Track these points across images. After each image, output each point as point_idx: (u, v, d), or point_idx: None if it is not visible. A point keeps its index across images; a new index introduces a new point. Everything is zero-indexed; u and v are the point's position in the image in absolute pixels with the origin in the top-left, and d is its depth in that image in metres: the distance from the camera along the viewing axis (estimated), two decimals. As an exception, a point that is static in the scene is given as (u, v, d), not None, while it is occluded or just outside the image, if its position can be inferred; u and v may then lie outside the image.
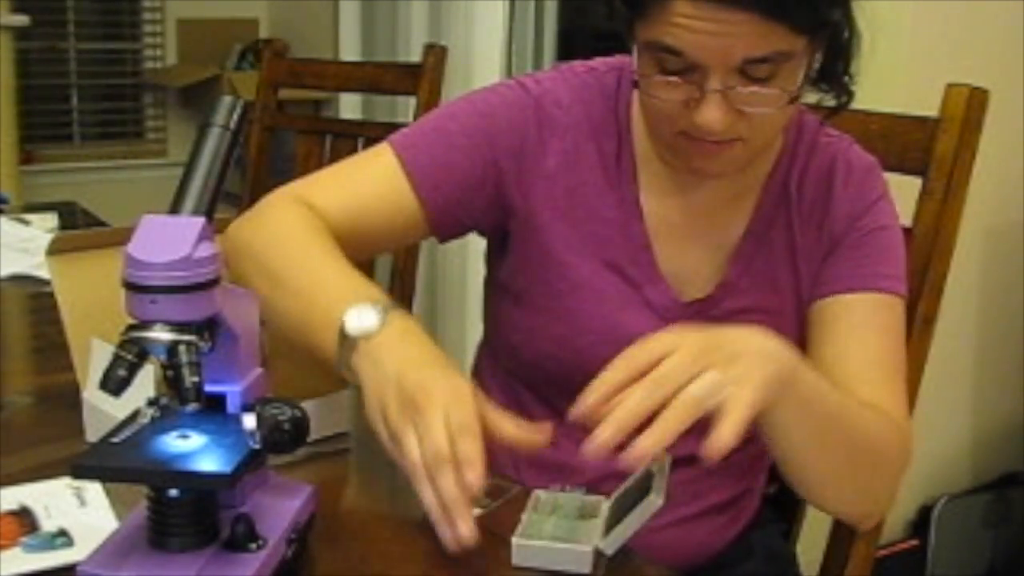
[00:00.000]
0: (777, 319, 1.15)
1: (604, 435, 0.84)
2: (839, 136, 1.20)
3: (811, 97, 1.13)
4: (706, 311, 1.16)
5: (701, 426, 1.17)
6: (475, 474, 0.84)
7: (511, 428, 0.91)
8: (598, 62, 1.21)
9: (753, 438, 1.23)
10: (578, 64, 1.22)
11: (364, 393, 0.93)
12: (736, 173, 1.13)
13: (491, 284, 1.27)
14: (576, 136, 1.17)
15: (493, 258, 1.25)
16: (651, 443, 0.83)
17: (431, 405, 0.87)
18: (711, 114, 1.00)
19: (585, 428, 1.18)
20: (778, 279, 1.16)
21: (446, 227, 1.18)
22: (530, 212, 1.17)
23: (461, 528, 0.84)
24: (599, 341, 1.14)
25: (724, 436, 0.85)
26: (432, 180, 1.15)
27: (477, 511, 0.95)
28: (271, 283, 1.04)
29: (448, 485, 0.84)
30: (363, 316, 0.95)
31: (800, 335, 1.16)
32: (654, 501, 0.86)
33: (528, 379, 1.22)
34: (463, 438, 0.85)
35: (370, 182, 1.16)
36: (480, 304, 1.32)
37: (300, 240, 1.07)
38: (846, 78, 1.09)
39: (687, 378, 0.86)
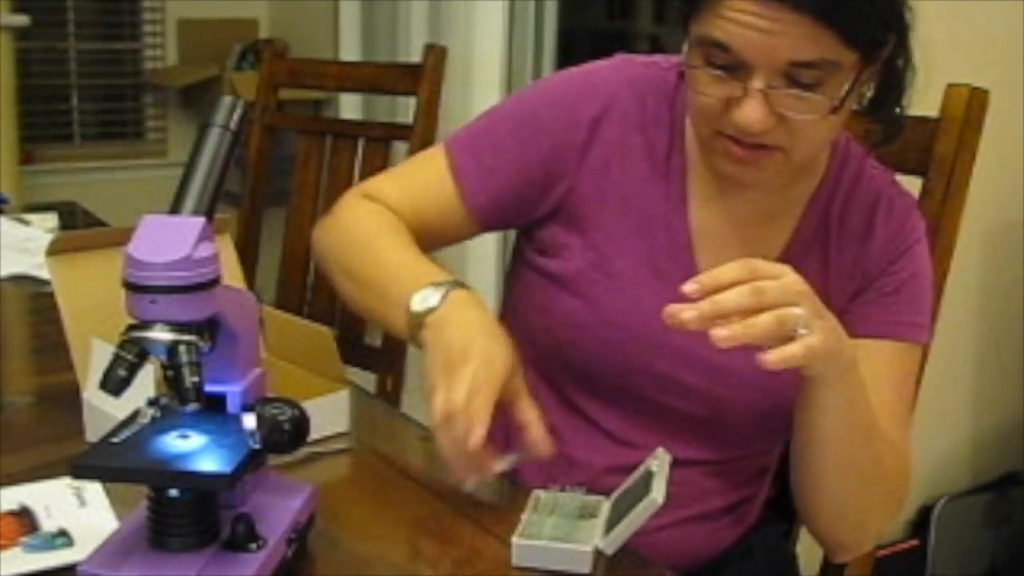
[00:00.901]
0: None
1: (702, 308, 0.90)
2: (883, 170, 1.19)
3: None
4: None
5: (702, 430, 1.18)
6: (476, 435, 0.93)
7: (531, 418, 1.00)
8: (659, 58, 1.21)
9: (759, 452, 1.23)
10: (639, 57, 1.22)
11: (425, 357, 1.03)
12: (773, 186, 1.12)
13: (523, 267, 1.25)
14: (625, 127, 1.17)
15: (531, 244, 1.24)
16: (730, 334, 0.89)
17: (465, 364, 0.97)
18: (751, 113, 1.00)
19: (594, 428, 1.19)
20: None
21: (492, 226, 1.23)
22: (576, 204, 1.18)
23: (469, 480, 0.97)
24: (623, 337, 1.14)
25: (786, 352, 0.90)
26: (477, 185, 1.19)
27: (508, 460, 0.98)
28: (351, 280, 1.17)
29: (458, 436, 0.94)
30: (426, 297, 1.05)
31: None
32: (654, 500, 0.86)
33: (544, 366, 1.21)
34: (477, 394, 0.95)
35: (424, 185, 1.22)
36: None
37: (368, 236, 1.18)
38: (897, 110, 1.09)
39: (783, 303, 0.91)
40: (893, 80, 1.07)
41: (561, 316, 1.18)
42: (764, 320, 0.89)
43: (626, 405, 1.17)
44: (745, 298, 0.90)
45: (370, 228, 1.19)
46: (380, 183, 1.26)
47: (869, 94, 1.08)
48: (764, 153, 1.05)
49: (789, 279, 0.93)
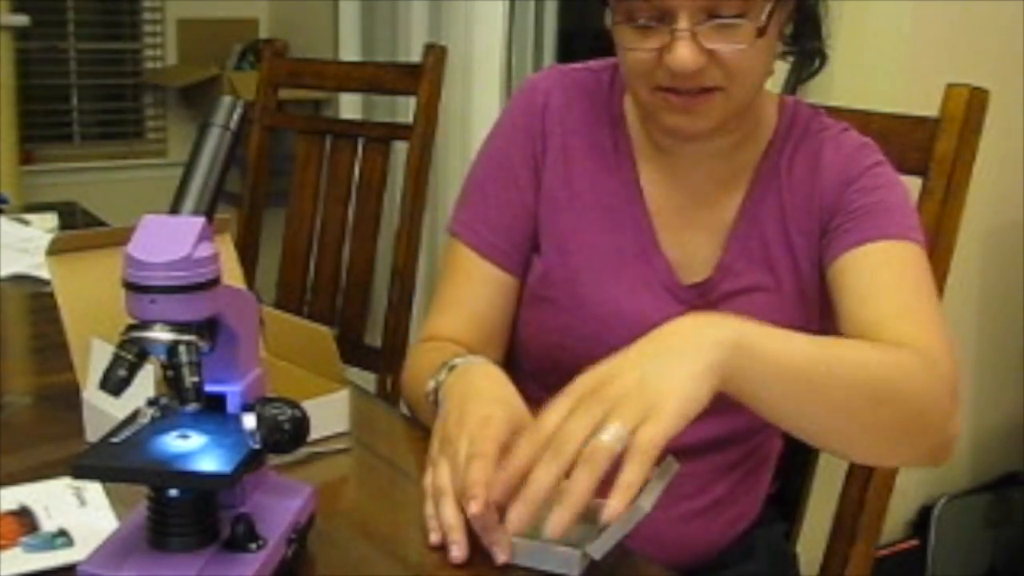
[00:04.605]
0: (776, 297, 1.17)
1: (518, 515, 0.83)
2: (835, 123, 1.22)
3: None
4: (706, 294, 1.18)
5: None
6: (476, 504, 0.87)
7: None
8: (593, 63, 1.27)
9: (755, 431, 1.23)
10: (573, 65, 1.28)
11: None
12: (719, 148, 1.14)
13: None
14: (564, 130, 1.22)
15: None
16: (567, 515, 0.81)
17: (458, 439, 0.94)
18: (681, 53, 1.03)
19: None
20: (773, 257, 1.18)
21: (526, 269, 1.25)
22: (545, 211, 1.22)
23: (454, 551, 0.90)
24: (603, 328, 1.16)
25: (628, 478, 0.80)
26: (503, 247, 1.23)
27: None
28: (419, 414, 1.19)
29: (445, 513, 0.92)
30: (435, 377, 1.07)
31: (803, 312, 1.17)
32: (641, 508, 0.86)
33: (543, 375, 1.22)
34: (471, 463, 0.90)
35: (466, 285, 1.25)
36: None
37: (424, 380, 1.14)
38: (818, 43, 1.15)
39: (588, 432, 0.82)
40: (808, 13, 1.13)
41: (541, 323, 1.22)
42: (586, 472, 0.80)
43: None
44: (553, 467, 0.81)
45: (425, 371, 1.18)
46: (430, 321, 1.27)
47: (789, 32, 1.13)
48: (705, 97, 1.07)
49: (577, 406, 0.83)
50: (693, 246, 1.19)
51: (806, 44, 1.16)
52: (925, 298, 1.08)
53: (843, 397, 0.94)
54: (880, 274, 1.09)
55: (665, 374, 0.84)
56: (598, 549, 0.88)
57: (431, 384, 1.08)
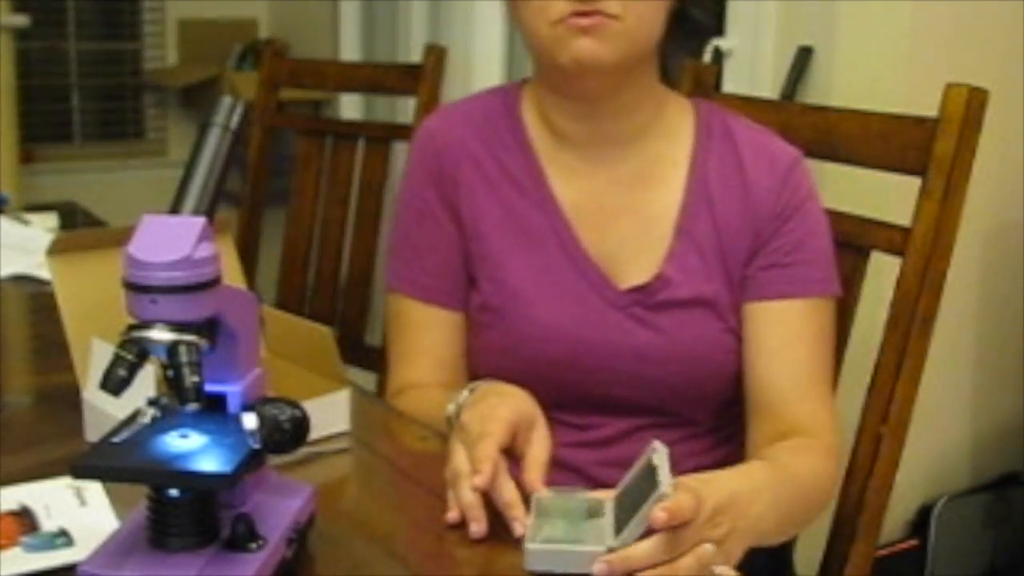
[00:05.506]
0: (713, 309, 1.20)
1: None
2: (759, 129, 1.25)
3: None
4: (643, 301, 1.20)
5: (645, 408, 1.20)
6: (479, 478, 0.93)
7: (529, 462, 0.99)
8: (479, 93, 1.33)
9: (718, 422, 1.24)
10: (461, 99, 1.33)
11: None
12: (617, 59, 1.14)
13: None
14: (476, 162, 1.25)
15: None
16: None
17: (471, 422, 1.00)
18: None
19: (552, 420, 1.20)
20: (711, 271, 1.21)
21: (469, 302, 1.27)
22: (471, 243, 1.25)
23: (473, 527, 0.94)
24: (543, 345, 1.20)
25: None
26: (443, 287, 1.27)
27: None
28: None
29: (463, 492, 0.95)
30: (456, 400, 1.09)
31: (735, 316, 1.21)
32: (665, 494, 0.86)
33: None
34: (478, 443, 0.96)
35: (420, 333, 1.28)
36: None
37: (429, 411, 1.20)
38: (701, 11, 1.22)
39: (692, 545, 0.88)
40: None
41: (487, 348, 1.24)
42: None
43: (576, 403, 1.22)
44: (664, 557, 0.87)
45: (432, 408, 1.21)
46: (397, 375, 1.30)
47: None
48: (603, 20, 1.11)
49: (699, 520, 0.89)
50: (623, 244, 1.21)
51: (691, 11, 1.21)
52: (825, 365, 1.20)
53: (790, 515, 1.07)
54: (796, 346, 1.18)
55: (744, 535, 0.94)
56: (624, 543, 0.87)
57: (451, 408, 1.10)
